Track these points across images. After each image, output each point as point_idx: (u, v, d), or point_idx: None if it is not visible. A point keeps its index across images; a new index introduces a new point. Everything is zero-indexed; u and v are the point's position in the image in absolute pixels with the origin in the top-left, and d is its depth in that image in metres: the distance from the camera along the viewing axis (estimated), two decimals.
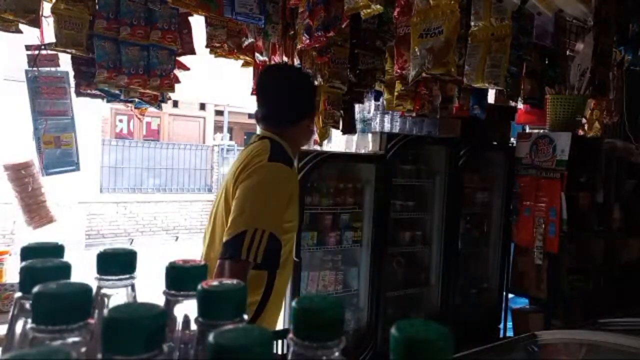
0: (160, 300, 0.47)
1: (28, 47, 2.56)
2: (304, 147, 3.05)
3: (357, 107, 3.22)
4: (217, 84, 8.55)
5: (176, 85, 2.64)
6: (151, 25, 2.45)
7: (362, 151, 3.16)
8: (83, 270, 0.70)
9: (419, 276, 3.33)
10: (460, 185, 3.26)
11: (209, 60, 3.00)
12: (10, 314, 0.50)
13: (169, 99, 2.93)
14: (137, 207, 9.27)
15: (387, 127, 3.46)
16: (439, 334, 0.33)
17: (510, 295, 3.42)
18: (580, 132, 3.38)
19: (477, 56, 2.16)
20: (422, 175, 3.27)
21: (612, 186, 3.03)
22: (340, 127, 2.96)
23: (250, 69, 3.28)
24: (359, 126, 3.38)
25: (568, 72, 2.90)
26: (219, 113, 14.43)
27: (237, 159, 1.56)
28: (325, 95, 2.70)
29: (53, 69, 2.65)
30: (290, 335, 0.38)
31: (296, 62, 2.74)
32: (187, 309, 0.50)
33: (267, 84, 1.64)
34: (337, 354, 0.38)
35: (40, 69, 2.60)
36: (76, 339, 0.40)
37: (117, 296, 0.52)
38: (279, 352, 1.41)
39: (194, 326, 0.45)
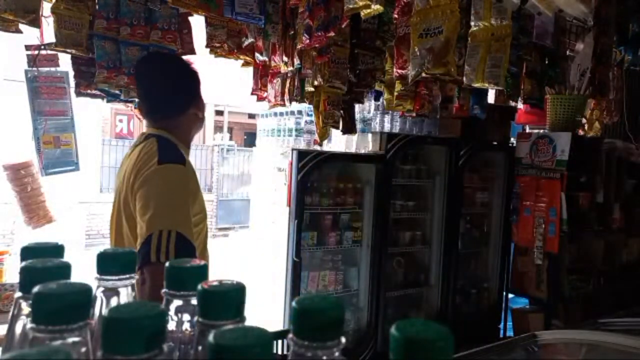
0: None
1: (28, 47, 2.56)
2: (304, 147, 3.05)
3: (357, 107, 3.22)
4: (217, 84, 8.55)
5: None
6: (151, 25, 2.45)
7: (362, 151, 3.16)
8: (83, 270, 0.70)
9: (419, 276, 3.33)
10: (460, 185, 3.26)
11: (209, 60, 3.00)
12: (10, 314, 0.50)
13: None
14: None
15: (387, 127, 3.46)
16: (439, 334, 0.33)
17: (510, 295, 3.42)
18: (580, 132, 3.38)
19: (477, 56, 2.16)
20: (422, 175, 3.27)
21: (612, 186, 3.03)
22: (340, 127, 2.96)
23: (250, 69, 3.28)
24: (359, 126, 3.38)
25: (568, 72, 2.90)
26: (219, 113, 14.43)
27: (125, 161, 1.52)
28: (325, 95, 2.70)
29: (53, 69, 2.65)
30: (290, 335, 0.38)
31: (296, 62, 2.73)
32: (187, 309, 0.50)
33: (142, 76, 1.57)
34: (337, 354, 0.38)
35: (40, 69, 2.60)
36: (76, 339, 0.40)
37: (117, 296, 0.52)
38: (279, 352, 1.41)
39: (194, 326, 0.45)
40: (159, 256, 1.26)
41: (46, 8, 2.21)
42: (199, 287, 0.44)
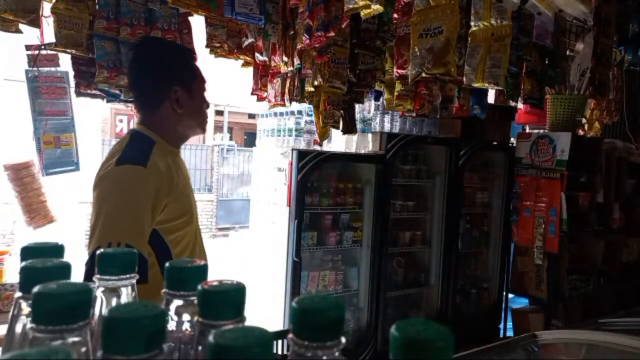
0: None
1: (28, 47, 2.56)
2: (304, 147, 3.05)
3: (357, 107, 3.22)
4: (217, 84, 8.55)
5: None
6: (151, 25, 2.45)
7: (362, 151, 3.16)
8: (83, 270, 0.70)
9: (419, 276, 3.33)
10: (460, 185, 3.26)
11: (209, 60, 3.00)
12: (10, 314, 0.50)
13: None
14: None
15: (387, 127, 3.46)
16: (439, 334, 0.33)
17: (510, 295, 3.42)
18: (580, 132, 3.38)
19: (477, 56, 2.16)
20: (422, 175, 3.27)
21: (612, 186, 3.03)
22: (340, 127, 2.96)
23: (250, 69, 3.28)
24: (359, 126, 3.38)
25: (568, 72, 2.90)
26: (219, 113, 14.43)
27: None
28: (325, 95, 2.70)
29: (53, 69, 2.65)
30: (290, 335, 0.38)
31: (296, 62, 2.73)
32: (187, 309, 0.50)
33: (128, 65, 1.48)
34: (337, 354, 0.38)
35: (40, 69, 2.60)
36: (76, 339, 0.40)
37: (117, 296, 0.52)
38: (279, 352, 1.40)
39: (194, 326, 0.45)
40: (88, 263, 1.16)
41: (46, 8, 2.22)
42: (199, 287, 0.44)
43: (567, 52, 2.99)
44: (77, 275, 0.50)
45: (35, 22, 2.06)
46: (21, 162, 2.99)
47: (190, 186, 1.48)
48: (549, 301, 2.86)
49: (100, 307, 0.51)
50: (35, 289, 0.40)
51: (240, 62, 3.06)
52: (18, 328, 0.48)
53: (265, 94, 3.32)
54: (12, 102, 4.86)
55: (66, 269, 0.50)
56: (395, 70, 2.10)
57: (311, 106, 3.14)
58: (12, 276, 2.45)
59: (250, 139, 15.76)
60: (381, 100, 3.16)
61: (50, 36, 2.34)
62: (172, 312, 0.50)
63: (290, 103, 3.18)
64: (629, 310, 1.88)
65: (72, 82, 2.68)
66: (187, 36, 2.75)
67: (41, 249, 0.56)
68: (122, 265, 0.53)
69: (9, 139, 5.27)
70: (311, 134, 4.30)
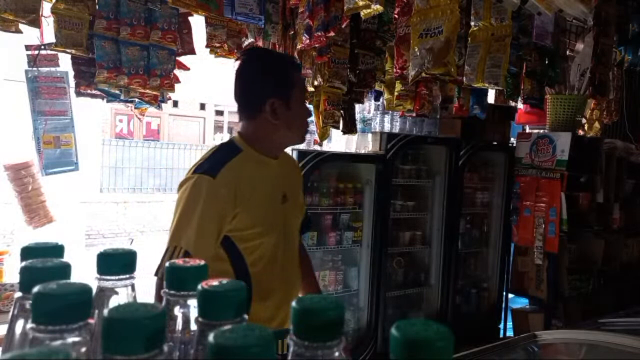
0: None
1: (28, 47, 2.56)
2: (304, 147, 3.05)
3: (357, 107, 3.23)
4: (217, 84, 8.55)
5: (176, 85, 2.64)
6: (151, 25, 2.45)
7: (362, 151, 3.16)
8: (83, 270, 0.70)
9: (418, 276, 3.33)
10: (460, 185, 3.26)
11: (209, 60, 3.00)
12: (10, 314, 0.50)
13: (169, 99, 2.93)
14: (137, 207, 9.28)
15: (387, 127, 3.46)
16: (439, 334, 0.33)
17: (510, 295, 3.42)
18: (580, 132, 3.38)
19: (477, 56, 2.16)
20: (422, 175, 3.27)
21: (612, 186, 3.03)
22: (340, 127, 2.96)
23: None
24: (359, 126, 3.38)
25: (568, 72, 2.91)
26: (219, 113, 14.44)
27: None
28: (325, 95, 2.70)
29: (53, 69, 2.65)
30: (290, 335, 0.38)
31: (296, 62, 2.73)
32: (187, 309, 0.50)
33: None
34: (337, 354, 0.38)
35: (40, 69, 2.60)
36: (76, 339, 0.40)
37: (117, 296, 0.52)
38: (279, 352, 1.40)
39: (194, 326, 0.45)
40: (158, 272, 1.26)
41: (46, 8, 2.22)
42: (199, 287, 0.44)
43: (567, 52, 2.99)
44: (77, 275, 0.49)
45: (35, 22, 2.06)
46: (21, 162, 2.99)
47: (277, 199, 1.42)
48: (549, 301, 2.86)
49: (100, 307, 0.51)
50: (35, 289, 0.40)
51: None
52: (18, 328, 0.48)
53: None
54: (12, 102, 4.86)
55: (66, 269, 0.50)
56: (395, 70, 2.10)
57: (311, 106, 3.14)
58: (12, 276, 2.44)
59: None
60: (381, 100, 3.16)
61: (50, 36, 2.34)
62: (172, 312, 0.50)
63: None
64: (629, 310, 1.88)
65: (72, 82, 2.69)
66: (187, 36, 2.75)
67: (41, 249, 0.56)
68: (122, 265, 0.53)
69: (8, 139, 5.27)
70: (311, 134, 4.30)
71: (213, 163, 1.34)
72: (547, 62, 2.84)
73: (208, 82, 7.67)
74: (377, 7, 1.79)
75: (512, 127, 3.62)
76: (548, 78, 2.86)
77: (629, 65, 3.18)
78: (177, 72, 2.67)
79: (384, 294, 3.01)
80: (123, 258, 0.53)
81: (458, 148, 3.22)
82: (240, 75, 1.45)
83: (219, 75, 7.16)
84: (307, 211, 1.67)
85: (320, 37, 2.20)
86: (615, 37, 2.71)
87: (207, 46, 2.77)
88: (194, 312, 0.45)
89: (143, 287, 0.69)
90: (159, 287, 1.23)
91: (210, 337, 0.34)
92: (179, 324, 0.50)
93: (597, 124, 3.54)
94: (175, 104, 13.31)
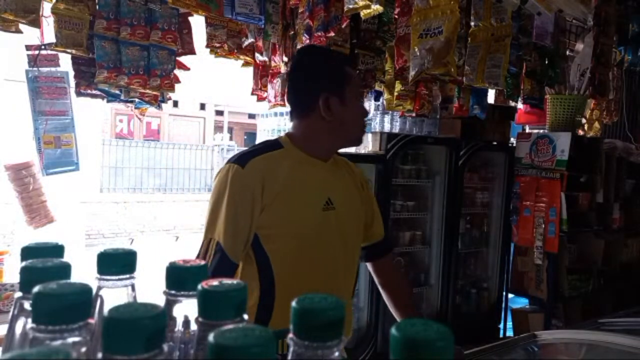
0: (160, 300, 0.47)
1: (28, 47, 2.56)
2: None
3: None
4: (217, 84, 8.56)
5: (176, 85, 2.64)
6: (151, 25, 2.45)
7: (362, 151, 3.16)
8: (83, 270, 0.70)
9: (419, 276, 3.33)
10: (460, 185, 3.26)
11: (209, 60, 3.00)
12: (10, 314, 0.50)
13: (169, 99, 2.93)
14: (137, 207, 9.28)
15: (387, 127, 3.46)
16: (439, 334, 0.33)
17: (510, 295, 3.43)
18: (580, 132, 3.38)
19: (477, 56, 2.17)
20: (422, 175, 3.27)
21: (612, 186, 3.03)
22: None
23: (250, 69, 3.29)
24: None
25: (568, 72, 2.91)
26: (219, 113, 14.44)
27: None
28: None
29: (53, 69, 2.65)
30: (290, 335, 0.38)
31: None
32: (187, 309, 0.50)
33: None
34: (337, 354, 0.38)
35: (40, 68, 2.60)
36: (76, 339, 0.40)
37: (117, 296, 0.52)
38: (279, 352, 1.39)
39: (194, 326, 0.45)
40: None
41: (46, 8, 2.22)
42: (199, 286, 0.44)
43: (567, 52, 2.99)
44: (77, 275, 0.50)
45: (35, 22, 2.07)
46: (21, 162, 2.99)
47: (316, 203, 1.31)
48: (549, 301, 2.86)
49: (100, 307, 0.51)
50: (35, 289, 0.40)
51: (240, 62, 3.06)
52: (18, 328, 0.48)
53: (265, 94, 3.32)
54: (13, 102, 4.86)
55: (66, 269, 0.50)
56: (395, 70, 2.10)
57: None
58: (12, 276, 2.45)
59: (250, 139, 15.77)
60: (381, 100, 3.16)
61: (50, 36, 2.34)
62: (172, 312, 0.50)
63: None
64: (629, 310, 1.88)
65: (72, 82, 2.69)
66: (187, 36, 2.75)
67: (41, 249, 0.56)
68: (122, 265, 0.53)
69: (9, 139, 5.27)
70: None
71: (246, 154, 1.29)
72: (547, 62, 2.85)
73: (208, 82, 7.67)
74: (377, 7, 1.79)
75: (512, 127, 3.62)
76: (548, 78, 2.86)
77: (629, 65, 3.18)
78: (177, 72, 2.67)
79: None
80: (123, 258, 0.53)
81: (458, 148, 3.22)
82: (292, 73, 1.41)
83: (219, 75, 7.16)
84: (386, 234, 1.55)
85: (320, 37, 2.20)
86: (615, 37, 2.71)
87: (207, 46, 2.77)
88: (194, 312, 0.45)
89: (143, 287, 0.69)
90: None
91: (210, 337, 0.34)
92: (179, 324, 0.50)
93: (597, 124, 3.54)
94: (175, 104, 13.32)
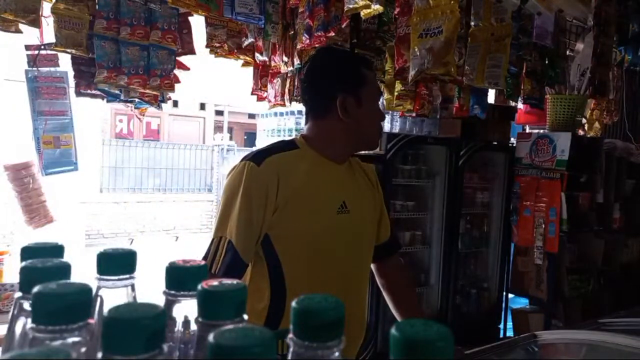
0: (160, 300, 0.47)
1: (28, 47, 2.56)
2: None
3: None
4: (217, 84, 8.56)
5: (176, 85, 2.64)
6: (151, 25, 2.45)
7: (362, 151, 3.16)
8: (83, 270, 0.70)
9: (419, 276, 3.33)
10: (460, 185, 3.26)
11: (209, 60, 3.00)
12: (10, 314, 0.50)
13: (169, 99, 2.93)
14: (137, 207, 9.28)
15: (387, 127, 3.46)
16: (439, 334, 0.33)
17: (510, 295, 3.43)
18: (580, 132, 3.38)
19: (477, 56, 2.17)
20: (422, 175, 3.27)
21: (612, 186, 3.03)
22: None
23: (250, 69, 3.29)
24: None
25: (568, 72, 2.91)
26: (219, 113, 14.44)
27: None
28: None
29: (53, 69, 2.65)
30: (290, 335, 0.38)
31: (296, 62, 2.74)
32: (187, 309, 0.50)
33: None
34: (337, 354, 0.38)
35: (40, 69, 2.60)
36: (76, 339, 0.40)
37: (117, 296, 0.52)
38: (279, 352, 1.39)
39: (194, 326, 0.45)
40: (211, 266, 1.18)
41: (46, 8, 2.22)
42: (199, 287, 0.44)
43: (567, 52, 2.99)
44: (77, 275, 0.49)
45: (35, 22, 2.07)
46: (21, 162, 2.99)
47: (330, 205, 1.28)
48: (549, 301, 2.86)
49: (100, 307, 0.51)
50: (35, 289, 0.40)
51: (240, 62, 3.06)
52: (18, 328, 0.48)
53: (265, 94, 3.33)
54: (12, 102, 4.86)
55: (66, 269, 0.50)
56: (395, 69, 2.10)
57: None
58: (12, 276, 2.45)
59: (250, 139, 15.77)
60: (381, 100, 3.16)
61: (50, 36, 2.35)
62: (172, 312, 0.50)
63: (290, 103, 3.18)
64: (629, 310, 1.88)
65: (72, 82, 2.69)
66: (187, 36, 2.75)
67: (41, 249, 0.56)
68: (122, 265, 0.53)
69: (8, 139, 5.27)
70: None
71: (262, 152, 1.27)
72: (547, 62, 2.84)
73: (208, 82, 7.67)
74: (377, 7, 1.79)
75: (512, 127, 3.62)
76: (548, 78, 2.86)
77: (629, 65, 3.18)
78: (177, 72, 2.68)
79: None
80: (123, 258, 0.53)
81: (458, 148, 3.22)
82: (309, 73, 1.38)
83: (219, 75, 7.16)
84: (394, 234, 1.56)
85: (320, 37, 2.20)
86: (615, 37, 2.71)
87: (207, 46, 2.77)
88: (194, 312, 0.45)
89: (143, 287, 0.69)
90: None
91: (210, 337, 0.34)
92: (179, 324, 0.50)
93: (597, 124, 3.54)
94: (175, 104, 13.31)
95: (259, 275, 1.27)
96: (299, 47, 2.42)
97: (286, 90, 3.08)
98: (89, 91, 2.69)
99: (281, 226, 1.23)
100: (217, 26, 2.74)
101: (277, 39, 2.60)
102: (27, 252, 0.55)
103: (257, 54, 2.83)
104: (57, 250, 0.57)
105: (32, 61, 2.56)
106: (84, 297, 0.41)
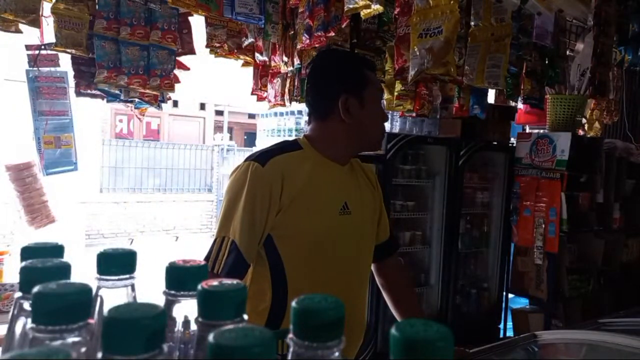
0: (160, 300, 0.47)
1: (28, 47, 2.56)
2: None
3: None
4: (217, 84, 8.56)
5: (176, 85, 2.64)
6: (151, 25, 2.45)
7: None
8: (83, 270, 0.70)
9: (419, 276, 3.33)
10: (460, 185, 3.26)
11: (209, 60, 3.00)
12: (10, 314, 0.50)
13: (169, 99, 2.93)
14: (137, 207, 9.28)
15: (387, 127, 3.46)
16: (439, 334, 0.33)
17: (510, 295, 3.42)
18: (580, 132, 3.38)
19: (476, 56, 2.17)
20: (422, 175, 3.27)
21: (612, 186, 3.03)
22: None
23: (250, 69, 3.29)
24: None
25: (568, 72, 2.91)
26: (219, 113, 14.44)
27: None
28: None
29: (53, 69, 2.65)
30: (290, 335, 0.38)
31: (296, 62, 2.74)
32: (187, 309, 0.50)
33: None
34: (337, 354, 0.38)
35: (40, 68, 2.60)
36: (76, 339, 0.40)
37: (117, 296, 0.52)
38: (279, 352, 1.39)
39: (194, 326, 0.45)
40: (214, 266, 1.19)
41: (46, 8, 2.22)
42: (199, 287, 0.44)
43: (567, 52, 2.99)
44: (77, 275, 0.50)
45: (35, 22, 2.07)
46: (23, 163, 3.00)
47: (333, 207, 1.29)
48: (549, 301, 2.86)
49: (100, 307, 0.51)
50: (35, 289, 0.40)
51: (240, 62, 3.06)
52: (18, 328, 0.48)
53: (265, 94, 3.33)
54: (13, 102, 4.86)
55: (66, 269, 0.50)
56: (395, 69, 2.10)
57: None
58: (12, 276, 2.45)
59: (250, 139, 15.77)
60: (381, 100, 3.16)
61: (50, 36, 2.35)
62: (172, 312, 0.50)
63: (290, 103, 3.18)
64: (629, 310, 1.88)
65: (72, 82, 2.69)
66: (187, 36, 2.75)
67: (41, 249, 0.56)
68: (122, 265, 0.53)
69: (9, 139, 5.28)
70: None
71: (266, 153, 1.27)
72: (547, 62, 2.85)
73: (208, 82, 7.67)
74: (377, 7, 1.79)
75: (512, 127, 3.62)
76: (548, 78, 2.86)
77: (629, 65, 3.18)
78: (177, 72, 2.68)
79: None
80: (123, 258, 0.53)
81: (458, 148, 3.22)
82: (311, 75, 1.39)
83: (219, 75, 7.16)
84: (394, 234, 1.56)
85: (320, 37, 2.20)
86: (616, 37, 2.71)
87: (207, 46, 2.77)
88: (194, 312, 0.45)
89: (143, 287, 0.69)
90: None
91: (210, 337, 0.34)
92: (179, 324, 0.50)
93: (597, 124, 3.54)
94: (175, 104, 13.32)
95: (261, 276, 1.27)
96: (299, 47, 2.42)
97: (286, 90, 3.08)
98: (89, 91, 2.69)
99: (284, 227, 1.24)
100: (217, 26, 2.74)
101: (277, 39, 2.60)
102: (27, 252, 0.55)
103: (257, 54, 2.83)
104: (57, 250, 0.57)
105: (33, 61, 2.56)
106: (84, 297, 0.41)
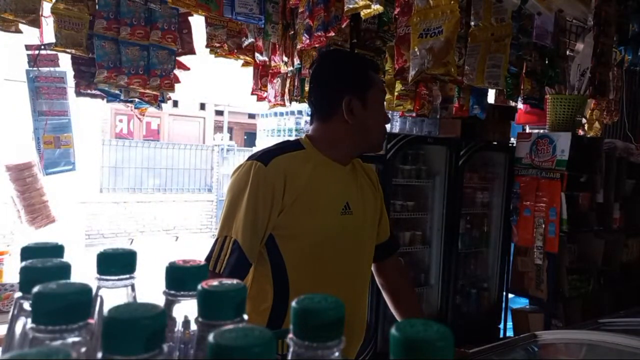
0: (160, 300, 0.47)
1: (28, 47, 2.56)
2: None
3: None
4: (217, 84, 8.55)
5: (176, 85, 2.64)
6: (151, 25, 2.45)
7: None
8: (83, 270, 0.70)
9: (419, 276, 3.33)
10: (460, 185, 3.26)
11: (209, 60, 3.00)
12: (10, 314, 0.50)
13: (169, 99, 2.94)
14: (137, 207, 9.28)
15: (387, 127, 3.46)
16: (439, 334, 0.33)
17: (510, 295, 3.42)
18: (580, 132, 3.38)
19: (476, 56, 2.17)
20: (422, 175, 3.27)
21: (612, 186, 3.03)
22: None
23: (250, 69, 3.29)
24: None
25: (568, 72, 2.91)
26: (219, 113, 14.44)
27: None
28: None
29: (53, 69, 2.65)
30: (290, 335, 0.38)
31: (296, 62, 2.74)
32: (187, 309, 0.50)
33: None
34: (337, 354, 0.38)
35: (40, 68, 2.60)
36: (76, 339, 0.40)
37: (117, 296, 0.52)
38: (279, 352, 1.39)
39: (194, 326, 0.45)
40: (215, 266, 1.18)
41: (46, 8, 2.22)
42: (199, 287, 0.44)
43: (567, 52, 2.99)
44: (77, 275, 0.49)
45: (35, 22, 2.07)
46: (23, 163, 2.99)
47: (334, 207, 1.29)
48: (549, 301, 2.86)
49: (100, 307, 0.51)
50: (35, 289, 0.40)
51: (240, 62, 3.06)
52: (18, 328, 0.48)
53: (265, 94, 3.33)
54: (13, 102, 4.86)
55: (66, 269, 0.50)
56: (395, 69, 2.10)
57: None
58: (12, 276, 2.45)
59: (250, 139, 15.77)
60: None
61: (50, 36, 2.35)
62: (172, 312, 0.50)
63: (290, 103, 3.18)
64: (629, 310, 1.88)
65: (72, 82, 2.69)
66: (187, 36, 2.75)
67: (41, 249, 0.56)
68: (122, 265, 0.53)
69: (9, 139, 5.27)
70: None
71: (268, 152, 1.27)
72: (547, 62, 2.84)
73: (208, 82, 7.67)
74: (377, 7, 1.79)
75: (512, 127, 3.62)
76: (548, 78, 2.86)
77: (629, 65, 3.18)
78: (177, 72, 2.68)
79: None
80: (123, 258, 0.53)
81: (458, 148, 3.22)
82: (315, 76, 1.38)
83: (219, 75, 7.16)
84: (394, 234, 1.56)
85: (320, 37, 2.20)
86: (616, 37, 2.71)
87: (207, 46, 2.77)
88: (194, 312, 0.45)
89: (143, 287, 0.69)
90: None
91: (210, 337, 0.34)
92: (179, 324, 0.50)
93: (597, 124, 3.54)
94: (175, 104, 13.32)
95: (262, 276, 1.27)
96: (299, 47, 2.42)
97: (286, 90, 3.08)
98: (89, 91, 2.69)
99: (286, 226, 1.24)
100: (217, 26, 2.74)
101: (277, 39, 2.60)
102: (27, 252, 0.55)
103: (257, 54, 2.83)
104: (57, 250, 0.57)
105: (33, 61, 2.56)
106: (84, 297, 0.41)
